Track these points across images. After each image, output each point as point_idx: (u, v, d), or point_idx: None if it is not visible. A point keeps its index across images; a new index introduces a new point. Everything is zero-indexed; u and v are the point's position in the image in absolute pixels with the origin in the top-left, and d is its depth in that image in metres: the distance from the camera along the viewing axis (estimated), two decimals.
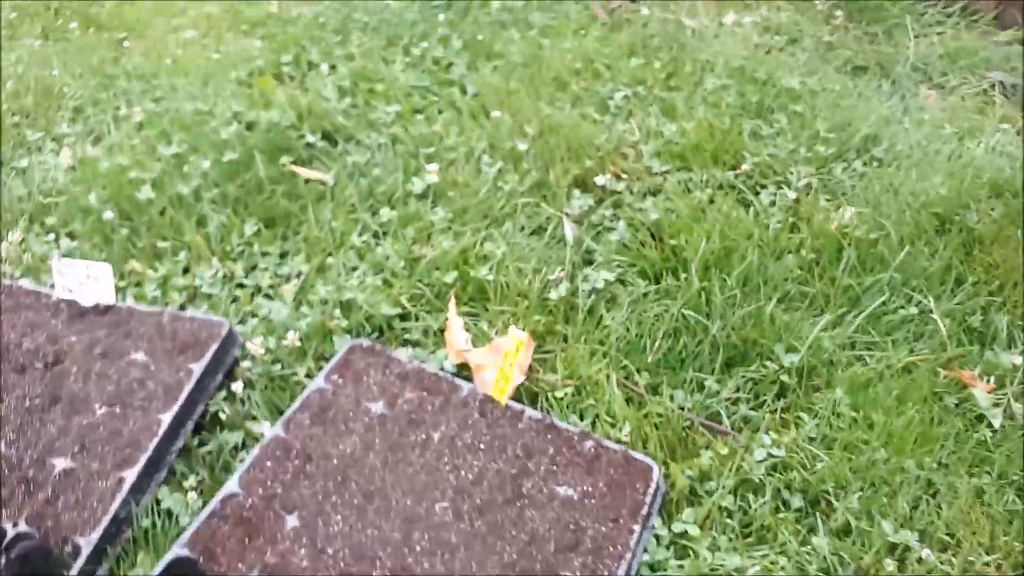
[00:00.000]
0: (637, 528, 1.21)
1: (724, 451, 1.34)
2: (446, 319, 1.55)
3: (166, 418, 1.31)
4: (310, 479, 1.24)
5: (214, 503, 1.19)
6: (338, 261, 1.67)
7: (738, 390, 1.45)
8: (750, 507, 1.29)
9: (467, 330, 1.53)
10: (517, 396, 1.40)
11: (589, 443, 1.31)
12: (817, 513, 1.29)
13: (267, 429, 1.34)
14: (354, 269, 1.67)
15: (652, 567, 1.23)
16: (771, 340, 1.50)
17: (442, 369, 1.42)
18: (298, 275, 1.66)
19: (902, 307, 1.58)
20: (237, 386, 1.41)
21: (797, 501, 1.30)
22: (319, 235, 1.73)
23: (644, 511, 1.24)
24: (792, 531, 1.27)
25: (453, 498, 1.23)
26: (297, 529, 1.17)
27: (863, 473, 1.31)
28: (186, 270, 1.67)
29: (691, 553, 1.24)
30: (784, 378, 1.46)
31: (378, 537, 1.17)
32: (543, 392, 1.44)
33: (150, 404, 1.33)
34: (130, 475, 1.23)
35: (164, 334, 1.44)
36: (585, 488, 1.26)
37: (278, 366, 1.47)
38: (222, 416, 1.38)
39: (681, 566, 1.22)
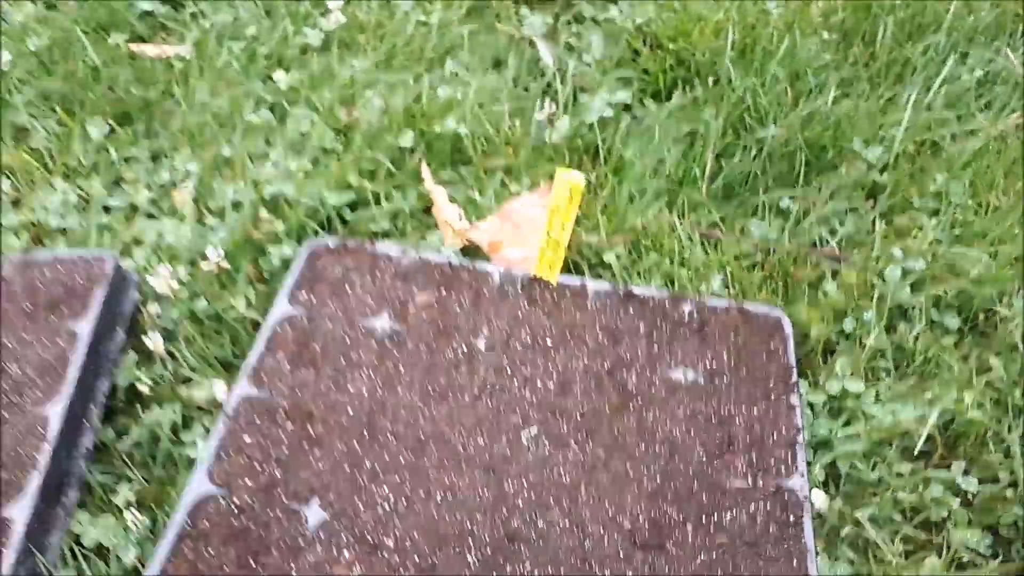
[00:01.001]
0: (796, 401, 0.87)
1: (852, 279, 1.01)
2: (428, 194, 1.11)
3: (55, 411, 0.82)
4: (321, 446, 0.80)
5: (179, 518, 0.74)
6: (238, 152, 1.18)
7: (826, 204, 1.11)
8: (903, 340, 0.98)
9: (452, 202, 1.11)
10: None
11: (686, 307, 0.94)
12: (984, 331, 0.99)
13: (220, 391, 0.87)
14: (264, 156, 1.18)
15: (817, 446, 0.90)
16: (844, 137, 1.16)
17: (449, 263, 0.99)
18: (186, 178, 1.15)
19: (963, 75, 1.29)
20: (153, 341, 0.92)
21: (953, 321, 1.00)
22: (199, 121, 1.22)
23: (794, 377, 0.89)
24: (959, 358, 0.97)
25: (543, 421, 0.83)
26: (327, 524, 0.74)
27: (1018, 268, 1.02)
28: (17, 204, 1.13)
29: (861, 415, 0.91)
30: (876, 177, 1.13)
31: (456, 503, 0.76)
32: (586, 259, 1.05)
33: (22, 396, 0.83)
34: (19, 512, 0.75)
35: (14, 290, 0.92)
36: (708, 365, 0.89)
37: (202, 303, 0.99)
38: (142, 388, 0.90)
39: (854, 435, 0.89)
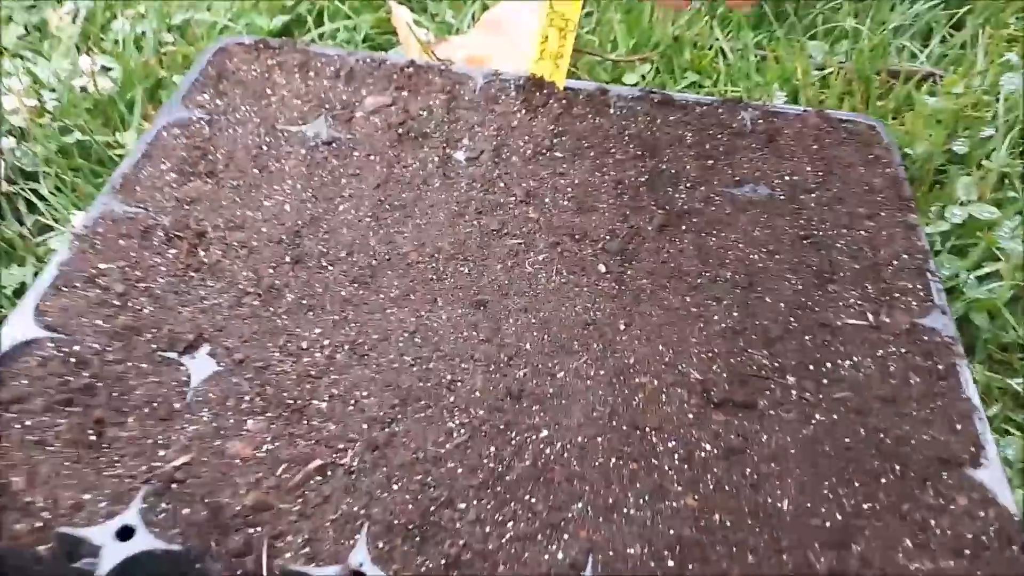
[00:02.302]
0: (916, 220, 0.60)
1: (957, 89, 0.75)
2: (387, 13, 0.84)
3: None
4: (218, 275, 0.52)
5: None
6: None
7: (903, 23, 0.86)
8: None
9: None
10: None
11: (747, 114, 0.68)
12: None
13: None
14: None
15: (948, 292, 0.63)
16: None
17: (412, 63, 0.71)
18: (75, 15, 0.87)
19: None
20: None
21: None
22: None
23: (908, 191, 0.62)
24: None
25: (556, 244, 0.56)
26: (220, 380, 0.46)
27: None
28: None
29: (998, 253, 0.65)
30: None
31: (428, 348, 0.48)
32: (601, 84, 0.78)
33: None
34: None
35: None
36: (786, 179, 0.62)
37: (74, 135, 0.71)
38: None
39: (993, 275, 0.63)
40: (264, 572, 0.39)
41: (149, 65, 0.79)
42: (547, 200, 0.58)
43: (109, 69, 0.80)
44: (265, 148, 0.60)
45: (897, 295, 0.55)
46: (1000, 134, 0.71)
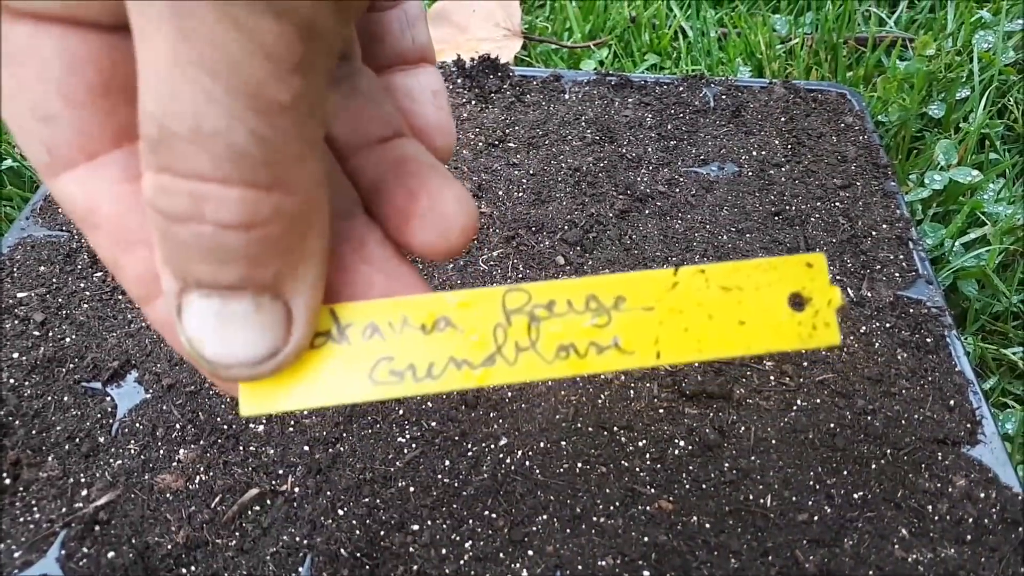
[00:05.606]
0: (895, 187, 0.57)
1: (930, 50, 0.71)
2: None
3: None
4: None
5: None
6: None
7: None
8: (1016, 125, 0.69)
9: None
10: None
11: (710, 91, 0.64)
12: None
13: None
14: None
15: (934, 261, 0.60)
16: None
17: None
18: None
19: None
20: None
21: None
22: None
23: (884, 158, 0.59)
24: None
25: (512, 237, 0.52)
26: (147, 408, 0.42)
27: None
28: None
29: (983, 218, 0.61)
30: None
31: None
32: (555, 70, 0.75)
33: None
34: None
35: None
36: (754, 155, 0.59)
37: (7, 162, 0.68)
38: None
39: (980, 240, 0.60)
40: None
41: None
42: (500, 193, 0.55)
43: None
44: None
45: (878, 267, 0.51)
46: (976, 94, 0.68)
